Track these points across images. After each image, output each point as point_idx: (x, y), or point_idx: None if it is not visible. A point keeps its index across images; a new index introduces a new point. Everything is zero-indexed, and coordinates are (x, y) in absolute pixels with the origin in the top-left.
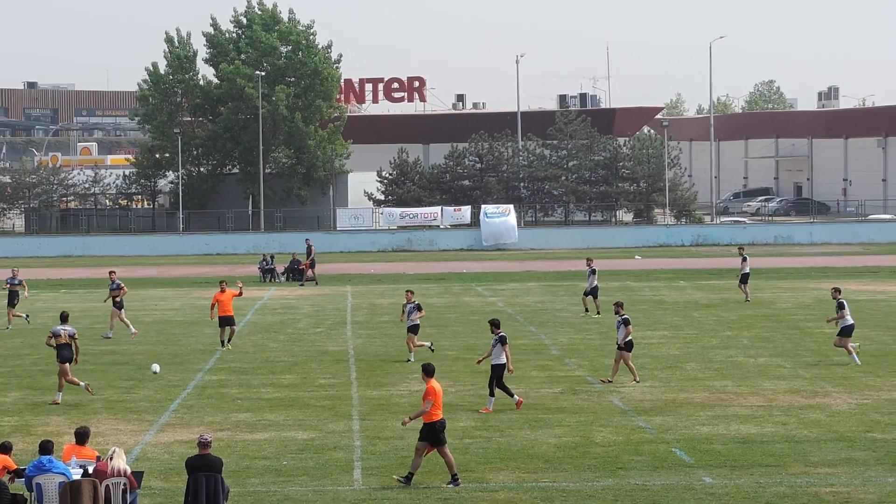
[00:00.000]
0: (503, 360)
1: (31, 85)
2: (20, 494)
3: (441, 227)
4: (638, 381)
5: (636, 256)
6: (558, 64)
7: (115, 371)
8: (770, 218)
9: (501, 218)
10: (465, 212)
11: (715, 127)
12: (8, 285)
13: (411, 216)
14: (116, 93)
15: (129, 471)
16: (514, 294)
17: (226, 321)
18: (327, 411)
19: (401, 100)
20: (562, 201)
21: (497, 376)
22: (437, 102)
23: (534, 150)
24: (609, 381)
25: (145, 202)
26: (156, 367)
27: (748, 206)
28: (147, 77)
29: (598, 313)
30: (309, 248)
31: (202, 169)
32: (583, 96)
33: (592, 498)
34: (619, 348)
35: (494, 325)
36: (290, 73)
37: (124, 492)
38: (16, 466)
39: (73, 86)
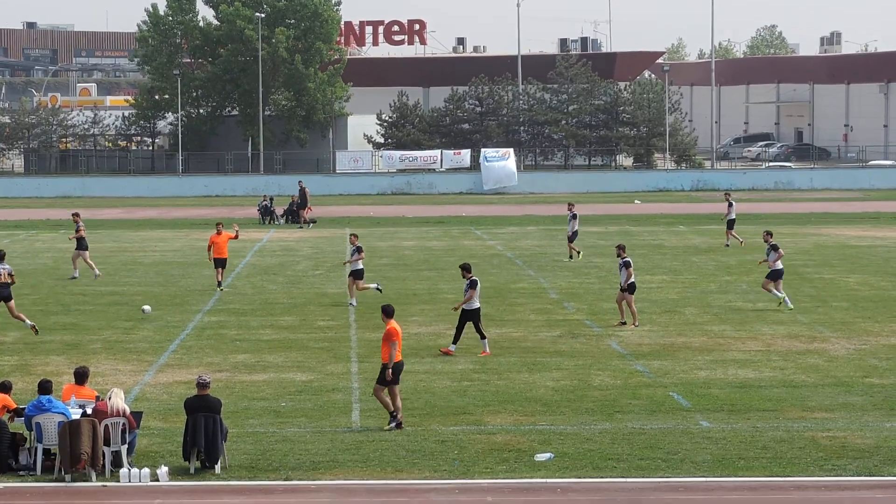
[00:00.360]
0: (477, 304)
1: (31, 25)
2: (20, 434)
3: (440, 170)
4: (637, 325)
5: (636, 201)
6: (559, 7)
7: (115, 311)
8: (770, 163)
9: (501, 162)
10: (465, 155)
11: (716, 72)
12: None
13: (411, 159)
14: (116, 34)
15: (128, 411)
16: (513, 238)
17: (220, 263)
18: (326, 353)
19: (401, 43)
20: (562, 145)
21: (474, 319)
22: (438, 46)
23: (534, 93)
24: (623, 323)
25: (145, 144)
26: (147, 308)
27: (748, 151)
28: (146, 18)
29: (578, 254)
30: (302, 190)
31: (202, 111)
32: (583, 40)
33: (590, 441)
34: (622, 290)
35: (465, 269)
36: (290, 14)
37: (123, 432)
38: (15, 406)
39: (72, 26)
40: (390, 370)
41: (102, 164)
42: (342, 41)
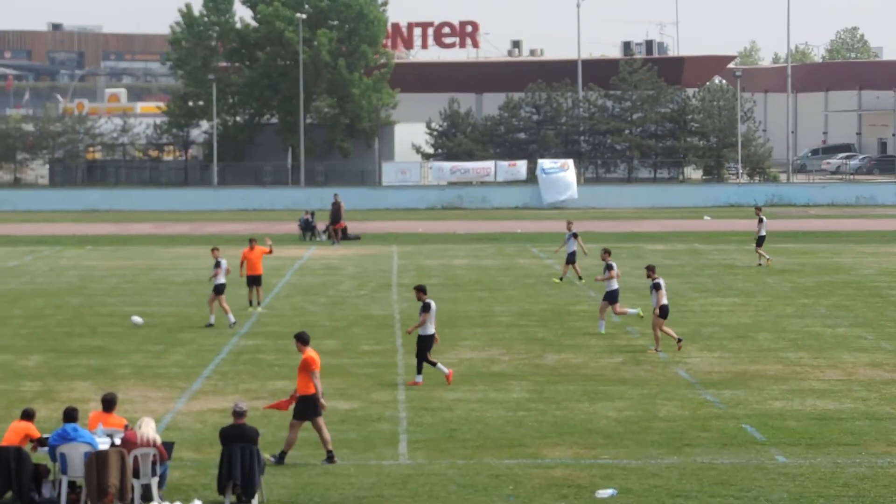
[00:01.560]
0: (431, 330)
1: (56, 26)
2: (43, 465)
3: (494, 183)
4: (658, 350)
5: (705, 217)
6: (622, 7)
7: (144, 334)
8: (851, 177)
9: (560, 174)
10: (521, 167)
11: (792, 77)
12: None
13: (462, 171)
14: (147, 35)
15: (158, 441)
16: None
17: (254, 280)
18: (371, 380)
19: (452, 46)
20: (625, 157)
21: (423, 348)
22: (492, 49)
23: (595, 100)
24: (679, 340)
25: (177, 153)
26: (137, 319)
27: (827, 163)
28: (180, 19)
29: (559, 278)
30: (336, 203)
31: (238, 118)
32: (649, 43)
33: (656, 476)
34: (655, 314)
35: (420, 290)
36: (334, 15)
37: (154, 463)
38: (39, 435)
39: (100, 27)
40: (322, 400)
41: (132, 175)
42: (389, 44)
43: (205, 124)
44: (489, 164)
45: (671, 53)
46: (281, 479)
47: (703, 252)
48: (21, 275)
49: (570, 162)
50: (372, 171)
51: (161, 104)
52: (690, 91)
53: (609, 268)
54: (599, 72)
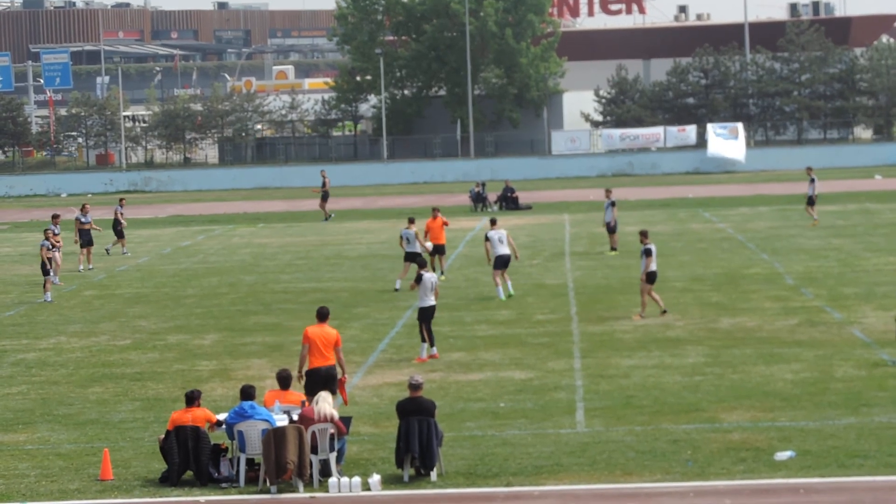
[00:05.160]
0: (431, 301)
1: (222, 5)
2: (221, 443)
3: (663, 148)
4: (643, 317)
5: (876, 176)
6: None
7: None
8: None
9: (730, 140)
10: (690, 132)
11: None
12: (79, 223)
13: (632, 138)
14: (313, 12)
15: (336, 416)
16: (744, 219)
17: (437, 249)
18: (546, 349)
19: (618, 12)
20: (794, 118)
21: (426, 319)
22: (658, 14)
23: (763, 63)
24: (664, 311)
25: (346, 129)
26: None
27: None
28: None
29: (614, 249)
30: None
31: (406, 92)
32: (815, 4)
33: (834, 437)
34: (642, 280)
35: (419, 264)
36: None
37: (332, 438)
38: (216, 419)
39: (266, 5)
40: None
41: (301, 151)
42: (555, 12)
43: (373, 99)
44: (658, 129)
45: (838, 14)
46: (459, 450)
47: (875, 211)
48: (194, 254)
49: (740, 126)
50: (541, 140)
51: (329, 80)
52: (858, 51)
53: (487, 239)
54: (766, 34)
